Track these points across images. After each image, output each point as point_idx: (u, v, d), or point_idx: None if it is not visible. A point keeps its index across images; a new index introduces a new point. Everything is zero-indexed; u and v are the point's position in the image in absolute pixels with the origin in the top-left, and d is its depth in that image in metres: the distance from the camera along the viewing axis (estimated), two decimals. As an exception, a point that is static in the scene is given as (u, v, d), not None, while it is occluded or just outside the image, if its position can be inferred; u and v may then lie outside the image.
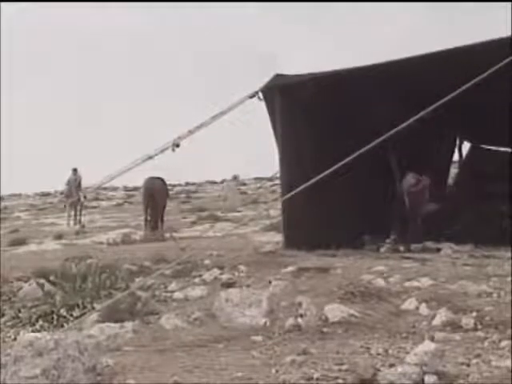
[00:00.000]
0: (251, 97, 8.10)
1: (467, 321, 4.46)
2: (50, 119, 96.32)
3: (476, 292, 5.21)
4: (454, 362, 3.57)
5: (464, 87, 5.48)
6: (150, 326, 4.91)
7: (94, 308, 5.24)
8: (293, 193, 5.99)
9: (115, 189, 44.61)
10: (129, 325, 4.75)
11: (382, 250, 8.96)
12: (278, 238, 9.43)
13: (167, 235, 12.24)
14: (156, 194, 13.46)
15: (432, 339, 4.03)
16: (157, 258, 7.66)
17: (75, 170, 20.77)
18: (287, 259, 7.39)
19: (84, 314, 5.11)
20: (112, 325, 4.71)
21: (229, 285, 6.15)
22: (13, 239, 14.06)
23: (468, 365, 3.56)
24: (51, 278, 6.29)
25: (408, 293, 5.34)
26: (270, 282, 6.05)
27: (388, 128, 5.55)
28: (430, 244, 8.99)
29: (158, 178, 13.56)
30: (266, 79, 8.52)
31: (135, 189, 36.64)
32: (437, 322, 4.54)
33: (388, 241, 9.44)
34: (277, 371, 3.59)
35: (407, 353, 3.59)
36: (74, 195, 19.59)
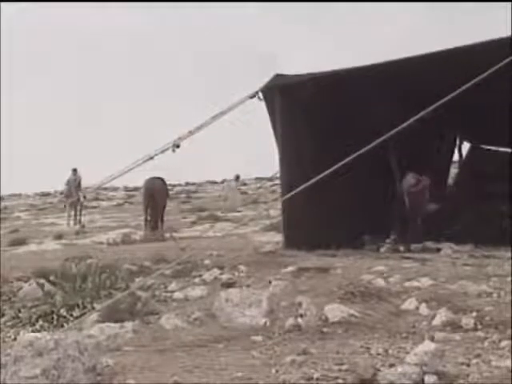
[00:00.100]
0: (251, 97, 8.11)
1: (467, 321, 4.46)
2: (50, 119, 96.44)
3: (476, 292, 5.21)
4: (454, 362, 3.57)
5: (464, 87, 5.48)
6: (150, 326, 4.91)
7: (94, 308, 5.25)
8: (293, 193, 5.99)
9: (115, 189, 44.61)
10: (129, 325, 4.76)
11: (382, 250, 8.96)
12: (278, 238, 9.43)
13: (167, 235, 12.24)
14: (156, 194, 13.47)
15: (432, 339, 4.03)
16: (157, 258, 7.66)
17: (75, 170, 20.78)
18: (287, 259, 7.39)
19: (84, 314, 5.11)
20: (112, 325, 4.72)
21: (229, 285, 6.15)
22: (13, 239, 14.07)
23: (468, 365, 3.56)
24: (51, 278, 6.29)
25: (408, 293, 5.34)
26: (270, 282, 6.05)
27: (388, 128, 5.54)
28: (430, 244, 8.99)
29: (159, 178, 13.57)
30: (266, 79, 8.52)
31: (135, 189, 36.65)
32: (437, 322, 4.54)
33: (388, 241, 9.45)
34: (277, 371, 3.59)
35: (407, 353, 3.59)
36: (74, 195, 19.60)
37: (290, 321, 4.70)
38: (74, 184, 20.34)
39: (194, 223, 17.26)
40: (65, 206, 21.87)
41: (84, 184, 19.80)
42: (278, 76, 8.62)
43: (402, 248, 8.86)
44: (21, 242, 13.38)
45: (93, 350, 3.46)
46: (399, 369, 3.28)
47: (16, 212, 31.21)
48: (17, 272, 7.03)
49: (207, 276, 6.66)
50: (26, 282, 6.44)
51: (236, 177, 24.47)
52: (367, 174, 8.86)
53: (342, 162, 5.46)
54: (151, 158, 6.99)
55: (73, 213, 20.39)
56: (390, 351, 3.89)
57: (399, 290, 5.46)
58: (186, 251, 7.98)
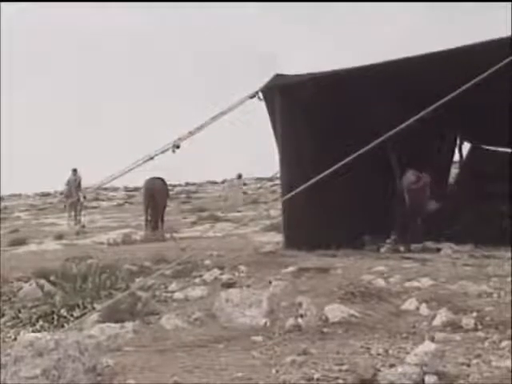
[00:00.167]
0: (251, 97, 8.11)
1: (467, 321, 4.46)
2: (50, 119, 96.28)
3: (476, 292, 5.21)
4: (454, 362, 3.57)
5: (464, 87, 5.48)
6: (150, 326, 4.91)
7: (94, 308, 5.25)
8: (293, 193, 5.99)
9: (116, 189, 44.60)
10: (129, 325, 4.76)
11: (382, 250, 8.97)
12: (279, 238, 9.43)
13: (167, 235, 12.26)
14: (156, 195, 13.48)
15: (432, 339, 4.03)
16: (157, 259, 7.66)
17: (75, 171, 20.77)
18: (287, 259, 7.39)
19: (84, 314, 5.11)
20: (112, 325, 4.72)
21: (229, 285, 6.15)
22: (13, 239, 14.06)
23: (468, 365, 3.57)
24: (51, 278, 6.30)
25: (408, 293, 5.34)
26: (270, 282, 6.05)
27: (388, 128, 5.55)
28: (430, 244, 9.00)
29: (159, 178, 13.58)
30: (266, 79, 8.53)
31: (136, 189, 36.64)
32: (437, 322, 4.54)
33: (388, 241, 9.45)
34: (277, 371, 3.59)
35: (407, 353, 3.59)
36: (74, 195, 19.59)
37: (291, 321, 4.70)
38: (74, 184, 20.33)
39: (194, 223, 17.26)
40: (65, 206, 21.87)
41: (84, 184, 19.80)
42: (277, 76, 8.63)
43: (402, 248, 8.87)
44: (21, 242, 13.38)
45: (93, 350, 3.46)
46: (399, 369, 3.28)
47: (16, 212, 31.20)
48: (17, 272, 7.03)
49: (207, 276, 6.66)
50: (26, 282, 6.45)
51: (238, 175, 24.57)
52: (367, 174, 8.86)
53: (342, 162, 5.46)
54: (151, 158, 7.00)
55: (73, 213, 20.39)
56: (391, 351, 3.89)
57: (399, 291, 5.46)
58: (186, 251, 8.00)
